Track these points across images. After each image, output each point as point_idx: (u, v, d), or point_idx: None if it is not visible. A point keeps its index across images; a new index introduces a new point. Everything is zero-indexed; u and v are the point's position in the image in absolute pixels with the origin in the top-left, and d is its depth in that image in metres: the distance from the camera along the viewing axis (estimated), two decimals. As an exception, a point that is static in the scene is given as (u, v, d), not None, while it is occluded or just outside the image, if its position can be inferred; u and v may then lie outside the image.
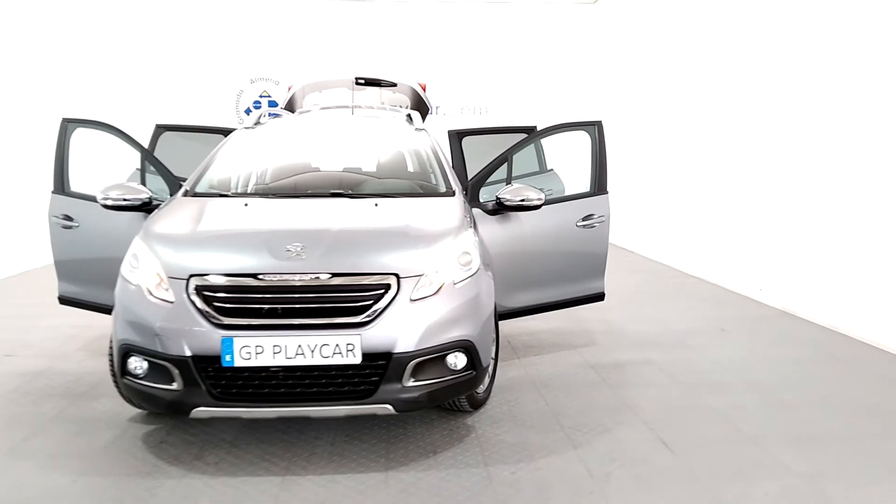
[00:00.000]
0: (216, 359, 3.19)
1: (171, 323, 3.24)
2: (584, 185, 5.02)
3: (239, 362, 3.18)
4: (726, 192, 8.16)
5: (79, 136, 4.94)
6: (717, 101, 8.39)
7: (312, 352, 3.19)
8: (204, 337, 3.20)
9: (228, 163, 4.63)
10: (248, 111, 12.50)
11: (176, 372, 3.22)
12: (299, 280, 3.28)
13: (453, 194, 4.32)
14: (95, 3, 11.38)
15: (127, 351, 3.36)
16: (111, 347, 3.78)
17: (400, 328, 3.28)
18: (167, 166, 4.81)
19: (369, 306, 3.29)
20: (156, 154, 5.75)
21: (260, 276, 3.28)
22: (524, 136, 6.14)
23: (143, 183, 4.73)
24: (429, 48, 12.51)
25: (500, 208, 4.52)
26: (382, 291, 3.32)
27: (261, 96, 12.54)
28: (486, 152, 5.87)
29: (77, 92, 10.65)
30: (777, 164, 7.06)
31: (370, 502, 3.06)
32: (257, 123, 5.21)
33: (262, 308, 3.25)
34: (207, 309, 3.24)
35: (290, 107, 6.97)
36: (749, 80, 7.62)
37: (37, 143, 9.61)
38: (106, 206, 4.27)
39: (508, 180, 4.88)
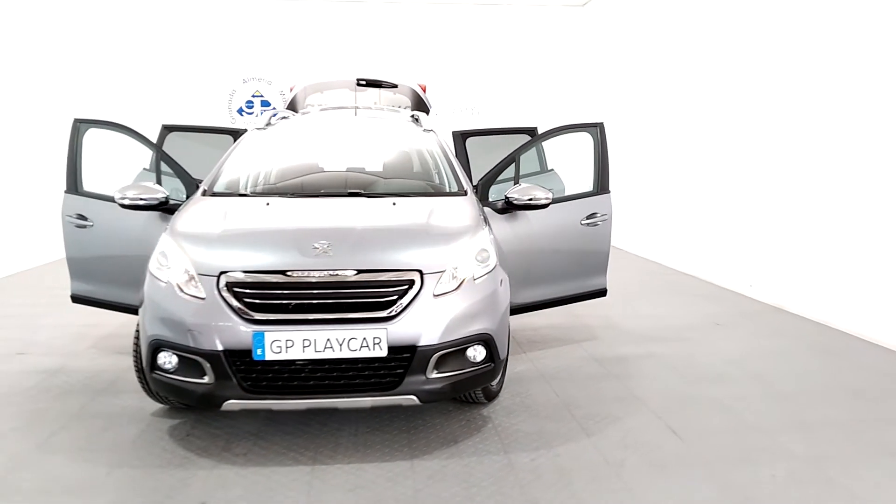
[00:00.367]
0: (247, 353, 3.30)
1: (202, 319, 3.35)
2: (582, 185, 5.19)
3: (269, 356, 3.29)
4: (715, 192, 8.39)
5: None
6: (705, 102, 8.61)
7: (340, 345, 3.31)
8: (235, 332, 3.31)
9: (244, 163, 4.73)
10: (240, 111, 12.54)
11: (207, 366, 3.33)
12: (327, 276, 3.40)
13: (465, 194, 4.46)
14: (87, 3, 11.38)
15: (157, 346, 3.45)
16: (136, 343, 3.89)
17: (424, 322, 3.41)
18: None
19: (394, 301, 3.42)
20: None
21: (288, 273, 3.40)
22: (525, 136, 6.32)
23: (159, 182, 4.83)
24: (420, 50, 12.62)
25: (508, 207, 4.66)
26: (406, 287, 3.45)
27: (253, 96, 12.57)
28: (483, 153, 6.05)
29: (69, 91, 10.66)
30: (765, 164, 7.28)
31: (400, 488, 3.19)
32: (268, 124, 5.31)
33: (291, 303, 3.37)
34: (238, 305, 3.35)
35: (293, 107, 7.07)
36: (736, 79, 7.83)
37: (36, 143, 9.64)
38: (123, 206, 4.36)
39: (516, 180, 5.03)
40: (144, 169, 5.82)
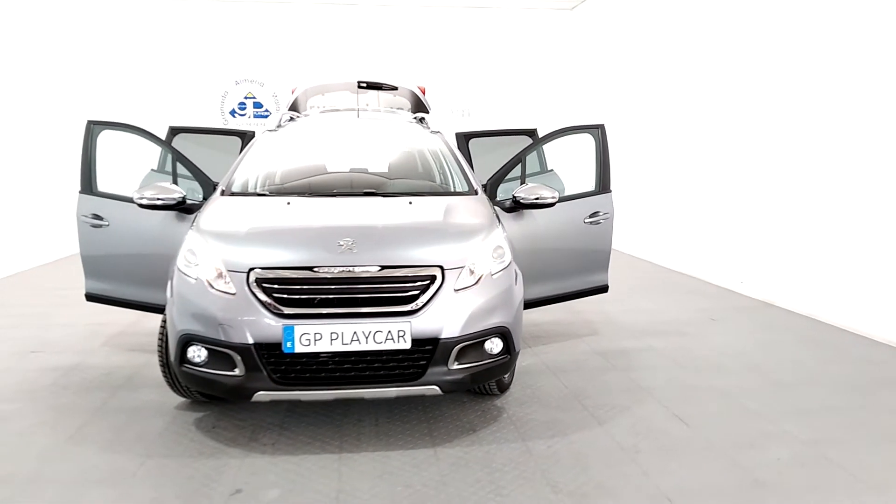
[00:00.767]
0: (277, 346, 3.43)
1: (233, 313, 3.47)
2: (578, 185, 5.36)
3: (299, 349, 3.42)
4: (705, 191, 8.62)
5: (105, 139, 5.09)
6: (693, 103, 8.85)
7: (366, 338, 3.45)
8: (265, 326, 3.43)
9: (259, 164, 4.85)
10: (232, 112, 12.60)
11: (238, 359, 3.45)
12: (352, 272, 3.54)
13: (476, 193, 4.61)
14: (77, 4, 11.39)
15: (188, 340, 3.56)
16: (161, 338, 4.01)
17: (445, 316, 3.56)
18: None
19: (417, 296, 3.56)
20: (161, 155, 5.93)
21: (315, 269, 3.53)
22: (525, 137, 6.50)
23: (175, 182, 4.93)
24: (412, 52, 12.77)
25: (516, 206, 4.82)
26: (428, 282, 3.60)
27: (245, 97, 12.64)
28: (482, 153, 6.22)
29: (61, 93, 10.66)
30: (754, 165, 7.52)
31: (426, 474, 3.34)
32: (279, 126, 5.43)
33: (318, 298, 3.51)
34: (268, 300, 3.48)
35: (295, 109, 7.18)
36: (722, 79, 8.07)
37: (33, 143, 9.66)
38: (142, 206, 4.45)
39: (523, 180, 5.19)
40: (152, 170, 5.91)
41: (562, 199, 5.11)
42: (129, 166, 6.43)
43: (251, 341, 3.43)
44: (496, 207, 4.85)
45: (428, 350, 3.54)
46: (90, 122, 5.02)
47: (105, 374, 4.83)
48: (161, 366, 4.07)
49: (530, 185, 4.90)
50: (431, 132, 5.45)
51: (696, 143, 8.91)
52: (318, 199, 4.29)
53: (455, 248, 3.77)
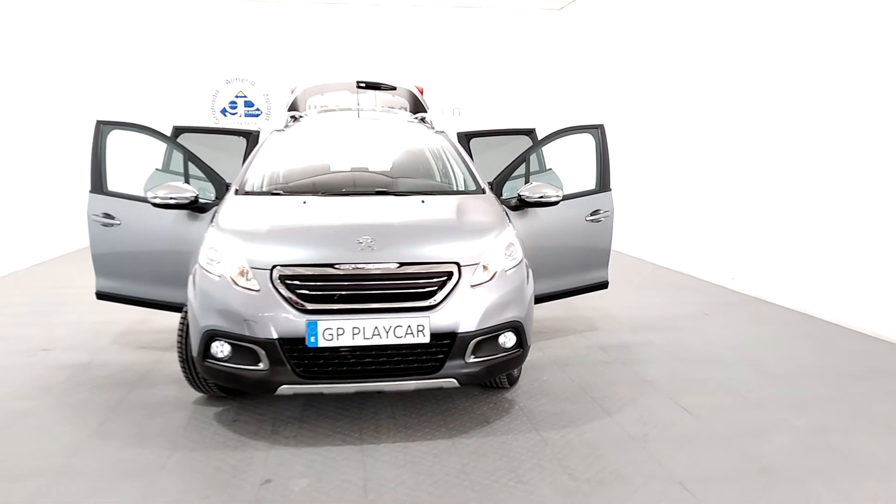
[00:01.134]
0: (300, 340, 3.53)
1: (257, 309, 3.57)
2: (576, 184, 5.52)
3: (322, 343, 3.53)
4: (695, 189, 8.82)
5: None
6: (681, 101, 9.04)
7: (387, 332, 3.57)
8: (289, 321, 3.53)
9: (270, 163, 4.94)
10: (223, 111, 12.62)
11: (263, 353, 3.55)
12: (372, 269, 3.65)
13: (483, 192, 4.74)
14: (67, 4, 11.35)
15: (211, 336, 3.65)
16: (180, 334, 4.10)
17: (463, 311, 3.68)
18: (180, 167, 5.10)
19: (435, 292, 3.68)
20: (166, 155, 6.00)
21: (337, 266, 3.64)
22: (524, 136, 6.66)
23: (187, 182, 5.00)
24: (403, 51, 12.87)
25: (521, 204, 4.96)
26: (446, 278, 3.72)
27: (237, 96, 12.68)
28: (479, 151, 6.36)
29: (50, 91, 10.63)
30: (743, 162, 7.72)
31: (447, 463, 3.46)
32: (287, 126, 5.52)
33: (340, 294, 3.61)
34: (291, 296, 3.58)
35: (294, 108, 7.26)
36: (710, 77, 8.27)
37: (24, 141, 9.64)
38: (156, 205, 4.53)
39: (527, 179, 5.33)
40: (157, 169, 5.97)
41: (564, 198, 5.25)
42: (129, 166, 6.48)
43: (275, 336, 3.53)
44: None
45: (446, 344, 3.65)
46: (99, 122, 5.06)
47: (119, 372, 4.89)
48: (181, 361, 4.15)
49: (535, 183, 5.04)
50: (436, 132, 5.57)
51: (683, 142, 9.11)
52: (333, 198, 4.39)
53: (470, 245, 3.89)
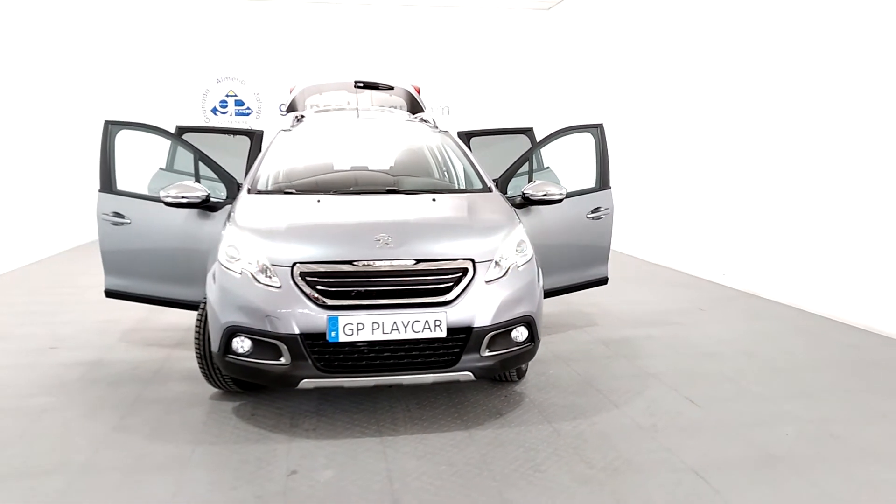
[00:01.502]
0: (321, 335, 3.62)
1: (279, 305, 3.65)
2: (574, 181, 5.64)
3: (342, 338, 3.62)
4: (686, 187, 9.00)
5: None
6: (672, 98, 9.21)
7: (405, 327, 3.66)
8: (311, 317, 3.62)
9: (280, 162, 5.02)
10: (214, 110, 12.63)
11: (284, 348, 3.63)
12: (390, 265, 3.75)
13: (490, 190, 4.85)
14: (55, 2, 11.31)
15: (233, 332, 3.73)
16: (198, 330, 4.17)
17: (478, 306, 3.79)
18: (183, 166, 5.15)
19: (451, 288, 3.79)
20: (169, 154, 6.04)
21: (355, 263, 3.73)
22: (523, 136, 6.78)
23: (198, 181, 5.06)
24: (391, 49, 12.96)
25: (525, 202, 5.07)
26: (461, 274, 3.82)
27: (227, 95, 12.69)
28: (475, 149, 6.47)
29: (41, 90, 10.59)
30: (734, 160, 7.90)
31: (466, 453, 3.57)
32: (293, 126, 5.59)
33: (359, 290, 3.71)
34: (312, 292, 3.67)
35: (293, 108, 7.32)
36: (700, 74, 8.44)
37: (25, 141, 9.61)
38: (168, 204, 4.59)
39: (531, 177, 5.45)
40: (161, 168, 6.01)
41: (567, 196, 5.37)
42: (130, 165, 6.50)
43: (297, 331, 3.61)
44: (507, 204, 5.10)
45: (462, 338, 3.76)
46: (108, 122, 5.10)
47: (131, 369, 4.94)
48: (198, 357, 4.22)
49: (538, 181, 5.15)
50: (439, 132, 5.67)
51: (673, 140, 9.28)
52: (346, 197, 4.48)
53: (483, 242, 4.00)
